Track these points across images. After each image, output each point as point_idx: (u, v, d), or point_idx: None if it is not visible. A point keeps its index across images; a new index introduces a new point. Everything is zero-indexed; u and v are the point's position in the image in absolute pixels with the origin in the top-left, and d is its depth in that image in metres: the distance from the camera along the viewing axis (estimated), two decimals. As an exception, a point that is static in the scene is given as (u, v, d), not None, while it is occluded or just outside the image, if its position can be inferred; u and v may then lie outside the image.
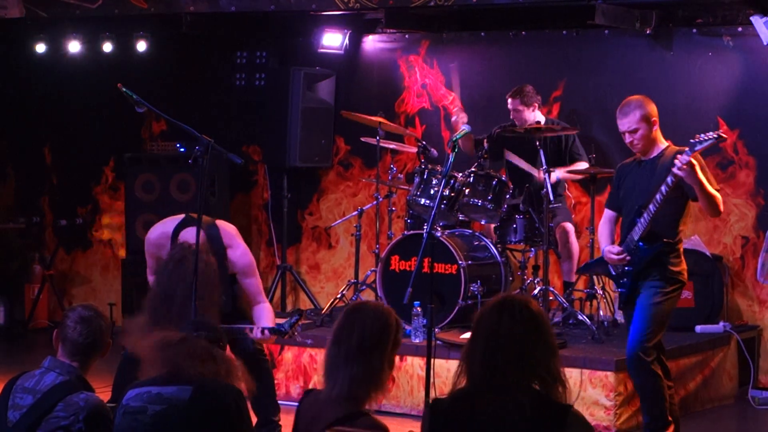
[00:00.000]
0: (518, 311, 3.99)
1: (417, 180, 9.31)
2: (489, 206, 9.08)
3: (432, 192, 9.14)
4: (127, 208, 11.46)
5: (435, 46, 10.85)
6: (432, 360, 6.68)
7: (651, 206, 7.07)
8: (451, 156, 7.08)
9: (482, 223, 9.58)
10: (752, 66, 9.69)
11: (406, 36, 10.98)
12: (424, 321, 8.57)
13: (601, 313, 9.31)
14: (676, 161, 6.91)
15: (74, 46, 11.38)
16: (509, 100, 9.60)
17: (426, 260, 7.23)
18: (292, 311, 6.98)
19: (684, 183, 7.04)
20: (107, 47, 11.35)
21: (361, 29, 11.06)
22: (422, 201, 9.20)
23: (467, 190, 9.11)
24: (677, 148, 7.24)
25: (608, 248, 7.35)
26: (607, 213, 7.60)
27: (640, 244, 7.16)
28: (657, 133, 7.33)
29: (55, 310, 12.04)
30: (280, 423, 7.40)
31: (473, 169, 9.18)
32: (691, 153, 6.88)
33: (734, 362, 9.33)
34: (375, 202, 9.93)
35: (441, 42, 10.83)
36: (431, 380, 6.60)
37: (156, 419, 4.61)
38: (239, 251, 7.24)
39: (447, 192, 9.11)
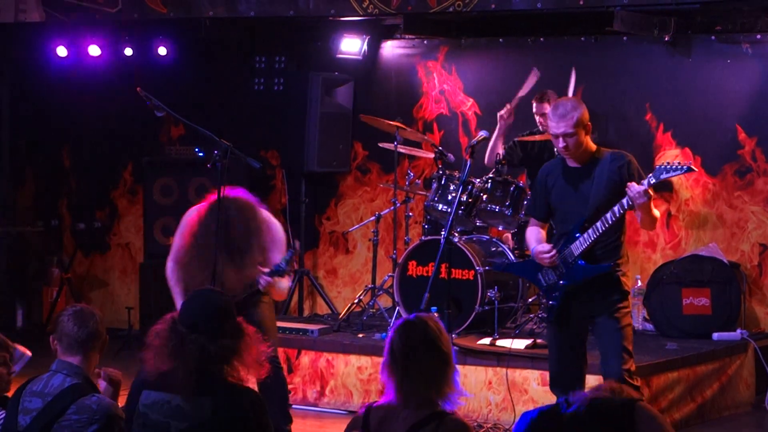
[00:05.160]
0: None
1: (434, 185, 9.31)
2: (507, 212, 9.07)
3: (449, 197, 9.14)
4: (145, 212, 11.51)
5: (453, 52, 10.86)
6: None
7: (599, 224, 6.61)
8: (468, 161, 7.08)
9: (500, 229, 9.57)
10: (771, 74, 9.70)
11: (425, 42, 11.00)
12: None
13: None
14: (633, 188, 6.49)
15: (94, 50, 11.43)
16: (536, 105, 9.43)
17: (443, 266, 7.24)
18: (288, 255, 6.97)
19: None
20: (127, 51, 11.40)
21: (380, 35, 11.08)
22: (440, 206, 9.20)
23: (485, 196, 9.11)
24: (607, 150, 6.82)
25: (539, 247, 6.83)
26: (534, 221, 7.05)
27: (580, 261, 6.69)
28: (589, 138, 6.84)
29: (72, 314, 12.06)
30: None
31: (491, 175, 9.18)
32: (655, 181, 6.50)
33: (751, 370, 9.31)
34: (392, 208, 9.92)
35: (459, 48, 10.84)
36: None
37: None
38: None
39: (465, 198, 9.10)
